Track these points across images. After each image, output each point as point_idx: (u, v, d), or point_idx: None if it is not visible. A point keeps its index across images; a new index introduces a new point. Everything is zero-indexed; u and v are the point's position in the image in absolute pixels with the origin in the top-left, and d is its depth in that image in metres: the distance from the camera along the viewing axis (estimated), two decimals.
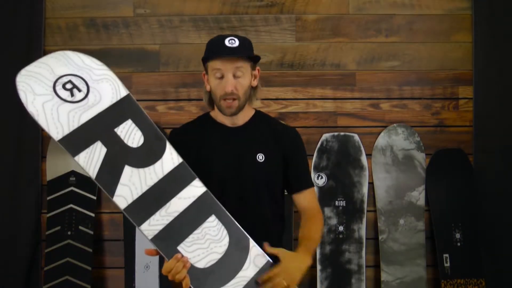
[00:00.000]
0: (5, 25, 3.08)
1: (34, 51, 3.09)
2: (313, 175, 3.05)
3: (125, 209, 1.69)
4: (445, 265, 3.03)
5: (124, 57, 3.15)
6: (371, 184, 3.10)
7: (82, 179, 3.07)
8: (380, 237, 3.05)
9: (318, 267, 3.00)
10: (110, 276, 3.12)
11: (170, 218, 1.72)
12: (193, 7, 3.14)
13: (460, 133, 3.16)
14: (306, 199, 1.99)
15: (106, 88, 1.78)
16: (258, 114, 2.02)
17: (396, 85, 3.16)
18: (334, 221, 3.03)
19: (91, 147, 1.71)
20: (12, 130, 3.07)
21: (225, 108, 1.90)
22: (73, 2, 3.15)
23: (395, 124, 3.13)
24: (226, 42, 1.88)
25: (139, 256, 2.99)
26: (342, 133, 3.11)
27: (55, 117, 1.70)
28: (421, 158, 3.11)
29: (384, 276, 3.02)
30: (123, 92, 1.79)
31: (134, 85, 3.14)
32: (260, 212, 1.92)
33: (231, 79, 1.87)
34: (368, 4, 3.15)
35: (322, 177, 3.07)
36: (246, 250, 1.79)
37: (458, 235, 3.06)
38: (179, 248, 1.72)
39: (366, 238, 3.03)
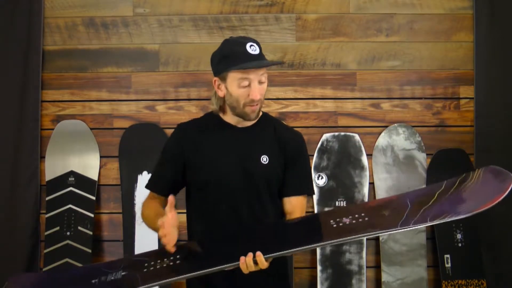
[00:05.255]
0: (4, 24, 3.07)
1: (33, 51, 3.09)
2: (314, 175, 3.04)
3: None
4: (446, 265, 3.02)
5: (124, 57, 3.13)
6: (371, 184, 3.08)
7: (81, 180, 3.06)
8: (380, 238, 3.04)
9: (319, 267, 2.98)
10: None
11: None
12: (192, 6, 3.13)
13: (461, 133, 3.15)
14: (292, 204, 1.96)
15: None
16: (264, 116, 2.02)
17: (397, 84, 3.15)
18: None
19: None
20: (11, 130, 3.06)
21: (250, 113, 1.88)
22: (72, 1, 3.14)
23: (395, 124, 3.12)
24: (249, 49, 1.84)
25: None
26: (342, 133, 3.09)
27: None
28: (422, 158, 3.10)
29: (384, 277, 3.01)
30: None
31: (134, 84, 3.13)
32: (261, 213, 1.91)
33: (258, 87, 1.86)
34: (369, 4, 3.14)
35: (322, 177, 3.05)
36: None
37: (459, 236, 3.05)
38: None
39: (367, 239, 3.02)
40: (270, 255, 1.70)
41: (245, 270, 1.69)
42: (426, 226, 3.04)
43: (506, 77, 3.06)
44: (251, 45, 1.85)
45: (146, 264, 1.82)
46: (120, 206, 3.07)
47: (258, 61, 1.84)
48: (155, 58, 3.14)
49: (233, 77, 1.85)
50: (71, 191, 3.05)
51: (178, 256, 1.80)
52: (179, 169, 1.94)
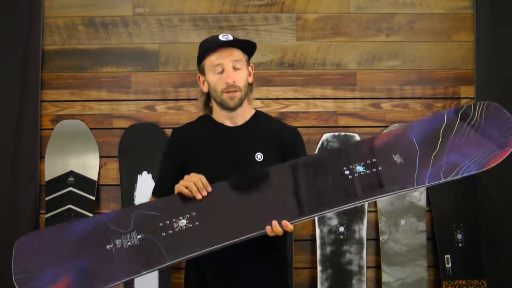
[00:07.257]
0: (4, 24, 3.06)
1: (33, 50, 3.08)
2: None
3: None
4: (447, 266, 3.01)
5: (123, 57, 3.13)
6: None
7: (80, 180, 3.05)
8: (381, 238, 3.03)
9: (319, 268, 2.98)
10: None
11: None
12: (192, 6, 3.13)
13: None
14: None
15: None
16: (258, 114, 2.02)
17: (397, 84, 3.14)
18: (334, 222, 3.01)
19: None
20: (10, 130, 3.05)
21: (228, 99, 1.90)
22: (72, 1, 3.13)
23: (396, 124, 3.11)
24: (220, 37, 1.92)
25: None
26: (342, 133, 3.09)
27: None
28: None
29: (385, 277, 3.01)
30: None
31: (133, 84, 3.13)
32: None
33: (232, 70, 1.90)
34: (369, 3, 3.13)
35: None
36: None
37: (459, 236, 3.05)
38: None
39: (367, 239, 3.02)
40: (296, 220, 1.71)
41: (270, 234, 1.71)
42: (426, 226, 3.04)
43: (506, 77, 3.06)
44: (223, 35, 1.92)
45: (161, 224, 1.74)
46: (120, 206, 3.06)
47: (224, 43, 1.90)
48: (155, 58, 3.13)
49: (209, 65, 1.91)
50: (70, 191, 3.04)
51: (193, 214, 1.76)
52: (178, 175, 1.94)
